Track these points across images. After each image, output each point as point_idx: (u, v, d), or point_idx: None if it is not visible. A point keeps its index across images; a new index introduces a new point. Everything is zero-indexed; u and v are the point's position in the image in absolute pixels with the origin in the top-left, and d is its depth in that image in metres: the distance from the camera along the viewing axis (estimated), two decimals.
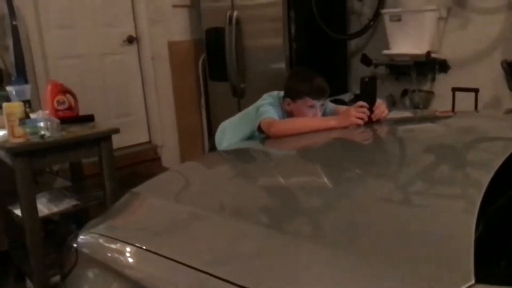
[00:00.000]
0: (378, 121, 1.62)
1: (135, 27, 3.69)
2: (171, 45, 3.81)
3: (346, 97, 3.31)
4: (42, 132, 2.04)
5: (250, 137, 1.85)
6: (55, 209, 2.21)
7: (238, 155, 1.64)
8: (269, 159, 1.53)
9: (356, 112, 1.57)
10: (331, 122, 1.60)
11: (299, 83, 1.74)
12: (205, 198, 1.19)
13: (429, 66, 3.05)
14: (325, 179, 1.18)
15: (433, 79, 3.16)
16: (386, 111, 1.63)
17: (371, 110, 1.60)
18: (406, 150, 1.38)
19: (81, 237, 1.21)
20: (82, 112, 2.53)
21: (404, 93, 3.22)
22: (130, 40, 3.66)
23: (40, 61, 3.18)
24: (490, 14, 2.81)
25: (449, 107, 2.90)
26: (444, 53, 3.05)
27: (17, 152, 1.93)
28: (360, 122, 1.57)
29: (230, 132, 1.98)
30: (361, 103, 1.59)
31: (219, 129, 2.11)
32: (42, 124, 2.05)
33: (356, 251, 0.76)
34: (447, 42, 3.02)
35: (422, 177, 1.08)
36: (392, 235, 0.80)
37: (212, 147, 2.10)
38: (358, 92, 3.37)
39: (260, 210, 1.03)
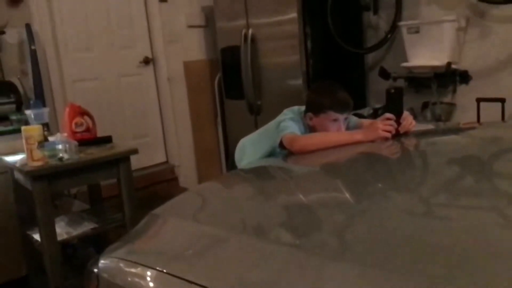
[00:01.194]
0: (406, 134, 1.55)
1: (151, 48, 3.71)
2: (187, 65, 3.82)
3: (365, 111, 3.25)
4: (61, 155, 2.02)
5: (270, 154, 1.80)
6: (74, 232, 2.18)
7: (260, 173, 1.59)
8: (293, 177, 1.47)
9: (383, 125, 1.51)
10: (357, 136, 1.54)
11: (322, 97, 1.69)
12: (226, 218, 1.14)
13: (449, 77, 2.98)
14: (354, 197, 1.11)
15: (454, 91, 3.08)
16: (414, 122, 1.56)
17: (398, 122, 1.53)
18: (438, 164, 1.31)
19: (102, 261, 1.16)
20: (100, 133, 2.52)
21: (425, 105, 3.15)
22: (147, 61, 3.68)
23: (58, 84, 3.20)
24: (510, 23, 2.74)
25: (472, 119, 2.82)
26: (464, 64, 2.98)
27: (36, 175, 1.92)
28: (388, 135, 1.51)
29: (250, 149, 1.93)
30: (387, 115, 1.53)
31: (238, 146, 2.06)
32: (60, 146, 2.04)
33: (387, 270, 0.71)
34: (467, 52, 2.95)
35: (459, 192, 1.02)
36: (424, 253, 0.74)
37: (232, 165, 2.05)
38: (377, 106, 3.34)
39: (284, 230, 0.98)
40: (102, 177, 2.19)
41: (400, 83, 3.26)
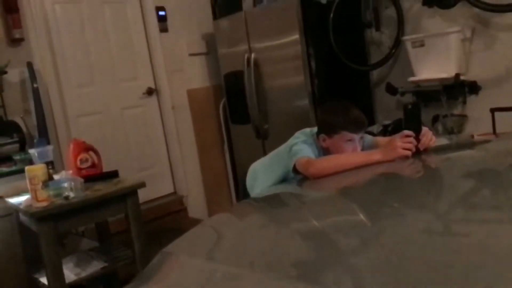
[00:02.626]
0: (426, 150, 1.48)
1: (154, 79, 3.68)
2: (191, 93, 3.79)
3: (375, 128, 3.18)
4: (66, 193, 1.96)
5: (284, 179, 1.72)
6: (83, 273, 2.10)
7: (274, 202, 1.51)
8: (309, 206, 1.39)
9: (402, 143, 1.43)
10: (376, 156, 1.46)
11: (334, 117, 1.62)
12: (241, 255, 1.07)
13: (458, 89, 2.92)
14: (377, 225, 1.02)
15: (464, 102, 3.02)
16: (434, 138, 1.49)
17: (417, 138, 1.46)
18: (462, 181, 1.24)
19: None
20: (106, 168, 2.46)
21: (435, 119, 3.08)
22: (150, 92, 3.65)
23: (61, 121, 3.17)
24: None
25: (485, 129, 2.74)
26: (472, 74, 2.92)
27: (41, 216, 1.85)
28: (408, 153, 1.43)
29: (262, 175, 1.85)
30: (406, 132, 1.45)
31: (249, 173, 1.99)
32: (65, 185, 1.98)
33: None
34: (475, 63, 2.90)
35: (485, 211, 0.94)
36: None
37: (244, 192, 1.97)
38: (386, 122, 3.27)
39: (301, 267, 0.90)
40: (110, 213, 2.11)
41: (408, 97, 3.20)
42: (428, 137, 1.47)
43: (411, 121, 1.47)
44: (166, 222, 3.69)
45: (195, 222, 3.82)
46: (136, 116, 3.60)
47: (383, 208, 1.08)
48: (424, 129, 1.48)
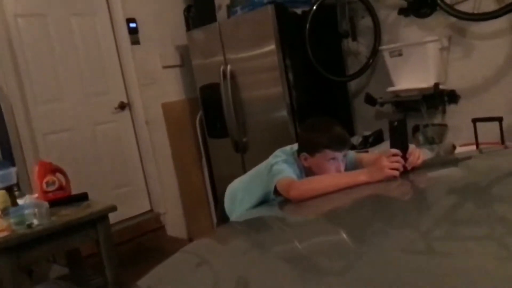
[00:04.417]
0: (413, 169, 1.40)
1: (126, 93, 3.55)
2: (165, 106, 3.66)
3: (354, 140, 3.12)
4: (30, 221, 1.81)
5: (264, 200, 1.62)
6: None
7: (257, 227, 1.41)
8: (294, 229, 1.30)
9: (390, 162, 1.35)
10: (361, 176, 1.38)
11: (316, 135, 1.53)
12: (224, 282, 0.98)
13: (438, 98, 2.90)
14: (362, 247, 0.98)
15: (444, 111, 3.00)
16: (422, 156, 1.41)
17: (404, 157, 1.38)
18: (452, 199, 1.17)
19: None
20: (77, 188, 2.32)
21: (416, 129, 3.04)
22: (122, 106, 3.51)
23: (27, 139, 3.01)
24: (493, 39, 2.69)
25: (466, 139, 2.71)
26: (450, 84, 2.90)
27: (1, 248, 1.69)
28: (395, 173, 1.36)
29: (241, 197, 1.75)
30: (393, 151, 1.37)
31: (227, 194, 1.88)
32: (28, 211, 1.83)
33: None
34: (453, 72, 2.88)
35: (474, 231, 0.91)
36: None
37: (222, 214, 1.86)
38: (365, 133, 3.22)
39: None
40: (79, 240, 1.97)
41: (387, 108, 3.16)
42: (416, 155, 1.40)
43: (397, 138, 1.39)
44: (144, 242, 3.54)
45: (174, 240, 3.71)
46: (109, 132, 3.45)
47: (366, 229, 1.05)
48: (411, 147, 1.41)
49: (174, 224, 3.68)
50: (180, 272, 1.17)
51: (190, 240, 3.58)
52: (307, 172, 1.59)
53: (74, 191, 2.31)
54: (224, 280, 0.99)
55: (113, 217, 3.09)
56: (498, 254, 0.79)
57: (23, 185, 2.80)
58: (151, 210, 3.68)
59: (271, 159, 1.61)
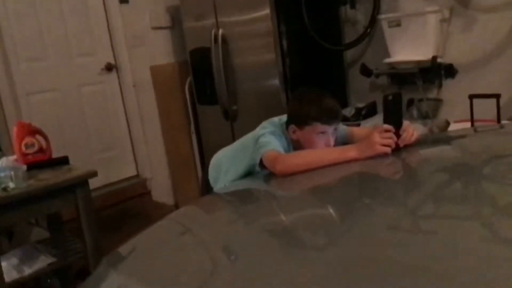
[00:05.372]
0: (406, 147, 1.33)
1: (113, 54, 3.42)
2: (154, 69, 3.54)
3: (347, 111, 3.05)
4: (5, 184, 1.74)
5: (249, 173, 1.56)
6: (28, 270, 1.90)
7: (242, 198, 1.36)
8: (279, 203, 1.25)
9: (382, 139, 1.28)
10: (351, 152, 1.31)
11: (306, 107, 1.45)
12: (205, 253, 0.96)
13: (434, 72, 2.81)
14: (348, 223, 0.95)
15: (440, 86, 2.92)
16: (416, 134, 1.35)
17: (397, 134, 1.31)
18: (442, 178, 1.12)
19: None
20: (61, 152, 2.24)
21: (410, 102, 2.97)
22: (109, 68, 3.38)
23: (9, 99, 2.90)
24: (496, 12, 2.58)
25: (461, 114, 2.65)
26: (449, 57, 2.81)
27: None
28: (387, 150, 1.29)
29: (226, 168, 1.68)
30: (386, 126, 1.30)
31: (212, 164, 1.81)
32: (4, 174, 1.75)
33: None
34: (452, 45, 2.79)
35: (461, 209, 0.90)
36: None
37: (206, 185, 1.80)
38: (359, 105, 3.14)
39: (267, 264, 0.83)
40: (57, 205, 1.90)
41: (383, 80, 3.08)
42: (410, 132, 1.33)
43: (391, 113, 1.32)
44: (129, 207, 3.50)
45: (160, 206, 3.67)
46: (95, 94, 3.35)
47: (352, 205, 1.04)
48: (405, 123, 1.34)
49: (161, 190, 3.64)
50: (163, 240, 1.13)
51: (177, 206, 3.55)
52: (295, 145, 1.52)
53: (58, 154, 2.22)
54: (208, 250, 0.98)
55: (98, 181, 3.04)
56: (483, 234, 0.79)
57: (6, 147, 2.72)
58: (137, 175, 3.63)
59: (258, 131, 1.54)
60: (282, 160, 1.36)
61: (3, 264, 1.94)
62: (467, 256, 0.71)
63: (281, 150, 1.43)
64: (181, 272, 0.91)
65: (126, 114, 3.52)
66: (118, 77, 3.45)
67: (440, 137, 1.92)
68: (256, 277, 0.78)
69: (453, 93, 2.81)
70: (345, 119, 2.85)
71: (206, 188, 1.79)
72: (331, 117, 1.44)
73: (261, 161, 1.44)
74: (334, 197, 1.14)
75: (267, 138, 1.45)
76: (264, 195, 1.41)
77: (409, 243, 0.79)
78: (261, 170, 1.48)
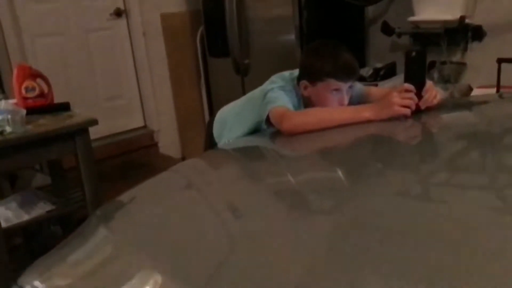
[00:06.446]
0: (428, 110, 1.22)
1: None
2: (165, 17, 3.38)
3: (365, 71, 2.90)
4: (2, 128, 1.67)
5: (255, 130, 1.47)
6: (25, 216, 1.87)
7: (250, 157, 1.28)
8: (287, 163, 1.16)
9: (401, 99, 1.17)
10: (366, 113, 1.20)
11: (320, 61, 1.33)
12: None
13: (461, 33, 2.65)
14: (357, 188, 0.89)
15: (465, 49, 2.76)
16: (439, 96, 1.23)
17: (419, 95, 1.20)
18: (460, 145, 1.04)
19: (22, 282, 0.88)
20: (67, 97, 2.16)
21: (432, 65, 2.81)
22: (118, 13, 3.24)
23: (14, 41, 2.79)
24: None
25: (485, 80, 2.51)
26: (478, 19, 2.63)
27: None
28: (406, 111, 1.18)
29: (231, 124, 1.59)
30: (407, 86, 1.18)
31: (217, 119, 1.72)
32: (1, 117, 1.68)
33: None
34: (482, 5, 2.61)
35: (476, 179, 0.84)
36: None
37: (209, 142, 1.71)
38: (378, 65, 2.99)
39: (271, 223, 0.79)
40: (56, 152, 1.84)
41: (405, 40, 2.90)
42: (432, 93, 1.21)
43: (413, 72, 1.19)
44: (135, 158, 3.45)
45: (166, 159, 3.61)
46: (102, 40, 3.22)
47: (363, 170, 0.98)
48: (428, 84, 1.21)
49: (168, 143, 3.57)
50: (166, 192, 1.08)
51: (184, 160, 3.49)
52: (306, 102, 1.41)
53: (63, 101, 2.14)
54: (211, 206, 0.94)
55: (103, 130, 2.99)
56: (495, 205, 0.75)
57: (9, 91, 2.65)
58: (144, 126, 3.55)
59: (266, 85, 1.43)
60: (290, 117, 1.26)
61: (1, 208, 1.91)
62: (475, 225, 0.68)
63: (290, 106, 1.32)
64: (177, 231, 0.85)
65: (134, 63, 3.40)
66: (128, 24, 3.30)
67: (462, 102, 1.79)
68: (259, 237, 0.74)
69: (479, 57, 2.66)
70: (362, 79, 2.72)
71: (209, 143, 1.71)
72: (347, 73, 1.32)
73: (268, 118, 1.34)
74: (344, 160, 1.06)
75: (276, 93, 1.34)
76: (271, 154, 1.32)
77: (417, 211, 0.75)
78: (267, 128, 1.39)
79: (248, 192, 0.99)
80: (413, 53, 1.19)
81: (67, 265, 0.91)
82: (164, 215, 0.95)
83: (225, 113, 1.69)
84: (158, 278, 0.71)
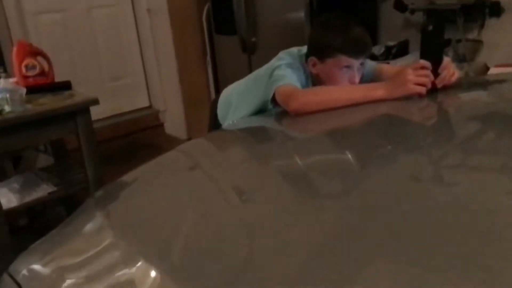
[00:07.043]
0: (445, 88, 1.14)
1: None
2: None
3: (376, 49, 2.80)
4: (1, 107, 1.62)
5: (261, 110, 1.40)
6: (27, 198, 1.84)
7: (257, 138, 1.22)
8: (295, 144, 1.10)
9: (416, 76, 1.09)
10: (378, 91, 1.13)
11: (330, 36, 1.25)
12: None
13: (478, 9, 2.53)
14: (367, 171, 0.85)
15: (482, 26, 2.63)
16: (456, 73, 1.15)
17: (435, 72, 1.12)
18: (487, 133, 0.96)
19: (16, 267, 0.87)
20: (69, 76, 2.11)
21: (447, 43, 2.70)
22: None
23: (15, 18, 2.73)
24: None
25: (501, 58, 2.40)
26: None
27: None
28: (422, 90, 1.10)
29: (236, 104, 1.52)
30: (422, 62, 1.10)
31: (221, 99, 1.65)
32: (0, 96, 1.63)
33: None
34: None
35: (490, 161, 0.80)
36: None
37: (214, 122, 1.65)
38: (390, 43, 2.89)
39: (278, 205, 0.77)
40: (56, 132, 1.79)
41: (418, 17, 2.79)
42: (450, 71, 1.13)
43: (430, 47, 1.11)
44: (140, 138, 3.42)
45: (172, 139, 3.56)
46: (106, 17, 3.15)
47: (373, 151, 0.94)
48: (446, 60, 1.13)
49: (174, 123, 3.52)
50: (171, 172, 1.05)
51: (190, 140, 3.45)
52: (315, 80, 1.34)
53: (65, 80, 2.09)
54: (217, 187, 0.91)
55: (108, 110, 2.94)
56: (509, 188, 0.71)
57: (10, 69, 2.59)
58: (149, 107, 3.50)
59: (273, 62, 1.35)
60: (298, 96, 1.19)
61: (3, 190, 1.88)
62: (487, 209, 0.65)
63: (298, 85, 1.25)
64: (179, 216, 0.80)
65: (139, 41, 3.33)
66: (132, 1, 3.22)
67: (479, 80, 1.70)
68: (266, 220, 0.73)
69: (496, 35, 2.54)
70: (373, 57, 2.62)
71: (213, 124, 1.65)
72: (358, 49, 1.24)
73: (274, 97, 1.27)
74: (355, 142, 1.00)
75: (283, 71, 1.27)
76: (278, 135, 1.26)
77: (428, 194, 0.72)
78: (273, 107, 1.32)
79: (254, 175, 0.94)
80: (430, 27, 1.10)
81: (60, 252, 0.87)
82: (161, 199, 0.91)
83: (230, 92, 1.62)
84: (149, 266, 0.66)
